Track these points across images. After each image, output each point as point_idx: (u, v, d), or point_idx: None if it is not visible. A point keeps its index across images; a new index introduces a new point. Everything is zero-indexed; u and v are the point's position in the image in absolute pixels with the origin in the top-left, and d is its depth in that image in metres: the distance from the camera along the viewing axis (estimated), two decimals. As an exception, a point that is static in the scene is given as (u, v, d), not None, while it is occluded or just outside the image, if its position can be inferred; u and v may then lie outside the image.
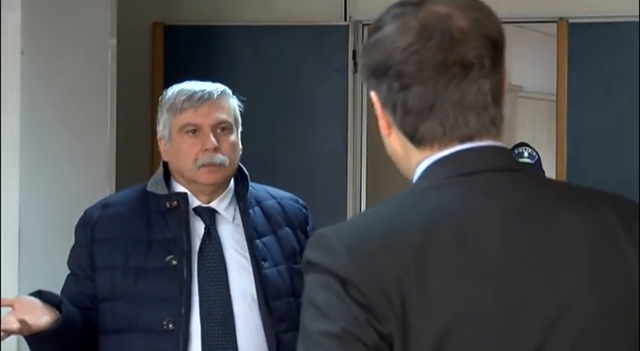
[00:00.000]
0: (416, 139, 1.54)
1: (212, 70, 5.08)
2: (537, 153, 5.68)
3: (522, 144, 5.81)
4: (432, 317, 1.41)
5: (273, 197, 3.01)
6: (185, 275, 2.78)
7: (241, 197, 2.92)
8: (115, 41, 4.45)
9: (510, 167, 1.54)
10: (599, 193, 1.59)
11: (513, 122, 8.50)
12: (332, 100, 5.23)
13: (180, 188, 2.89)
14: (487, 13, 1.53)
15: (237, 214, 2.91)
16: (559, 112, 5.17)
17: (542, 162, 5.69)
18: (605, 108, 5.07)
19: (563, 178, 5.04)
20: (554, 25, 5.21)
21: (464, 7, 1.51)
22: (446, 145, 1.52)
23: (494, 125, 1.53)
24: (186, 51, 5.43)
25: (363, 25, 5.22)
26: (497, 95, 1.52)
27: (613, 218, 1.52)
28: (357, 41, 5.22)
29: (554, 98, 5.28)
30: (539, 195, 1.53)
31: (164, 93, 2.95)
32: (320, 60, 5.28)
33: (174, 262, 2.78)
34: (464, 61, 1.48)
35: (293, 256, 2.92)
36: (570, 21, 5.13)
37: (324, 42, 5.29)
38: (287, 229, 2.96)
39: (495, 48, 1.50)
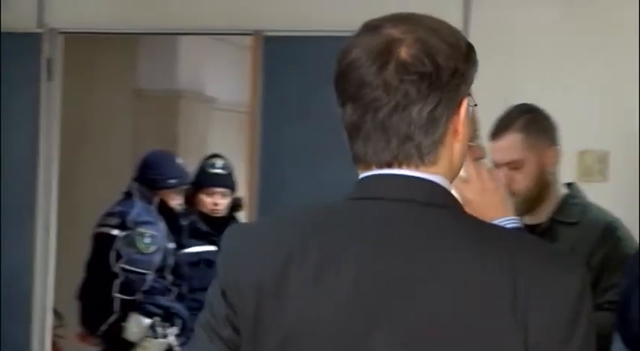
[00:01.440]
0: (353, 158, 1.58)
1: None
2: (230, 165, 5.76)
3: (215, 155, 5.80)
4: (279, 327, 1.51)
5: None
6: None
7: None
8: None
9: (412, 199, 1.52)
10: (510, 244, 1.51)
11: (207, 134, 8.03)
12: (25, 109, 5.13)
13: None
14: (444, 47, 1.53)
15: None
16: (252, 125, 5.22)
17: (237, 174, 5.75)
18: (299, 121, 5.10)
19: (256, 190, 5.16)
20: (250, 38, 5.28)
21: (418, 38, 1.52)
22: (366, 169, 1.56)
23: (420, 155, 1.53)
24: None
25: (60, 32, 5.16)
26: (428, 126, 1.52)
27: (498, 273, 1.45)
28: (53, 49, 5.15)
29: (248, 110, 5.38)
30: (421, 231, 1.50)
31: None
32: (13, 68, 5.14)
33: None
34: (387, 86, 1.50)
35: None
36: (266, 34, 5.15)
37: (17, 50, 5.13)
38: None
39: (429, 79, 1.50)
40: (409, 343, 1.45)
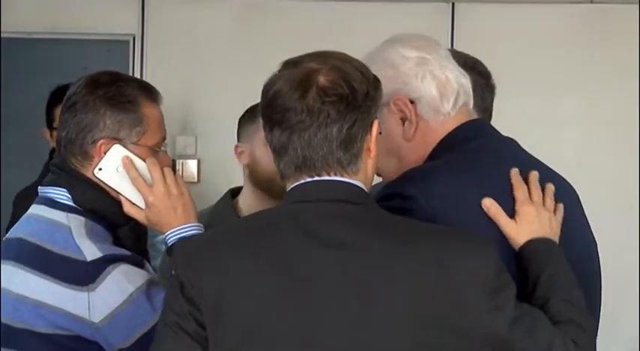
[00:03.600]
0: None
1: None
2: None
3: None
4: (235, 323, 1.71)
5: None
6: None
7: None
8: None
9: (340, 199, 1.77)
10: (435, 231, 1.79)
11: None
12: None
13: None
14: (357, 74, 1.81)
15: None
16: None
17: None
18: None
19: None
20: None
21: (334, 66, 1.80)
22: (297, 179, 1.80)
23: (342, 165, 1.79)
24: None
25: None
26: (347, 142, 1.78)
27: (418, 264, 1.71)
28: None
29: None
30: (348, 227, 1.74)
31: None
32: None
33: None
34: (310, 109, 1.76)
35: None
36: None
37: None
38: None
39: (346, 100, 1.77)
40: (356, 326, 1.69)
